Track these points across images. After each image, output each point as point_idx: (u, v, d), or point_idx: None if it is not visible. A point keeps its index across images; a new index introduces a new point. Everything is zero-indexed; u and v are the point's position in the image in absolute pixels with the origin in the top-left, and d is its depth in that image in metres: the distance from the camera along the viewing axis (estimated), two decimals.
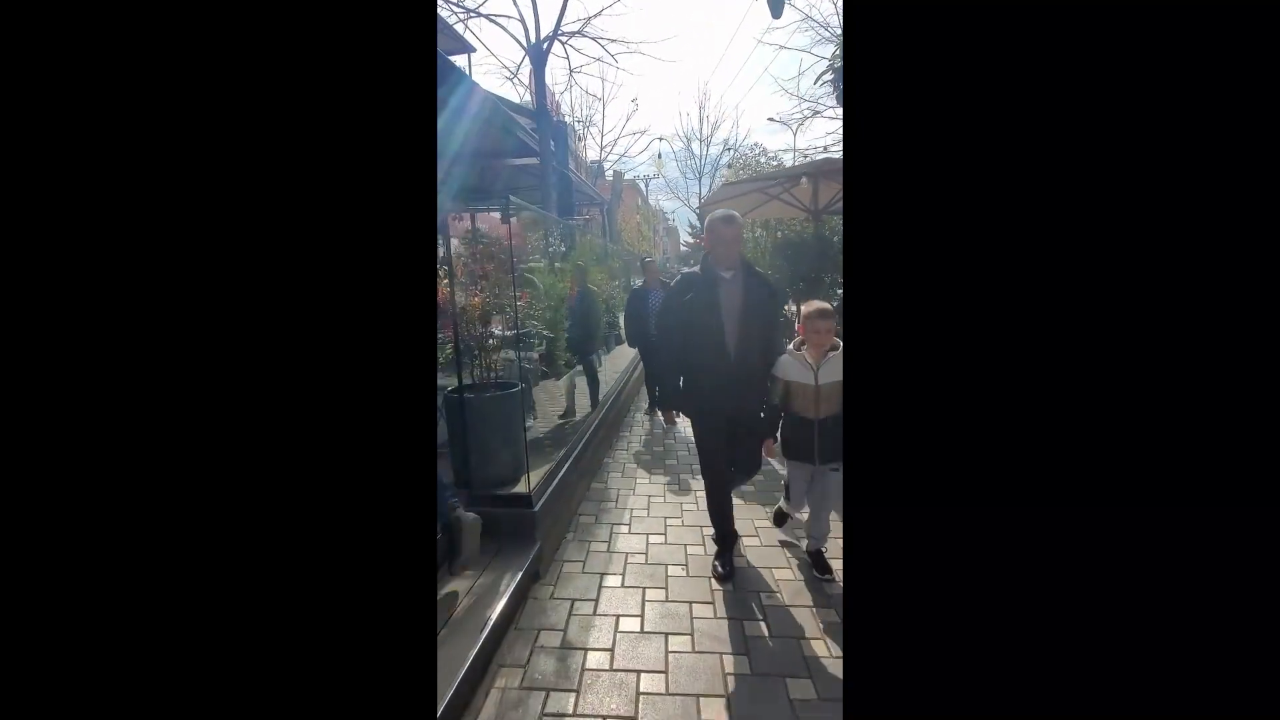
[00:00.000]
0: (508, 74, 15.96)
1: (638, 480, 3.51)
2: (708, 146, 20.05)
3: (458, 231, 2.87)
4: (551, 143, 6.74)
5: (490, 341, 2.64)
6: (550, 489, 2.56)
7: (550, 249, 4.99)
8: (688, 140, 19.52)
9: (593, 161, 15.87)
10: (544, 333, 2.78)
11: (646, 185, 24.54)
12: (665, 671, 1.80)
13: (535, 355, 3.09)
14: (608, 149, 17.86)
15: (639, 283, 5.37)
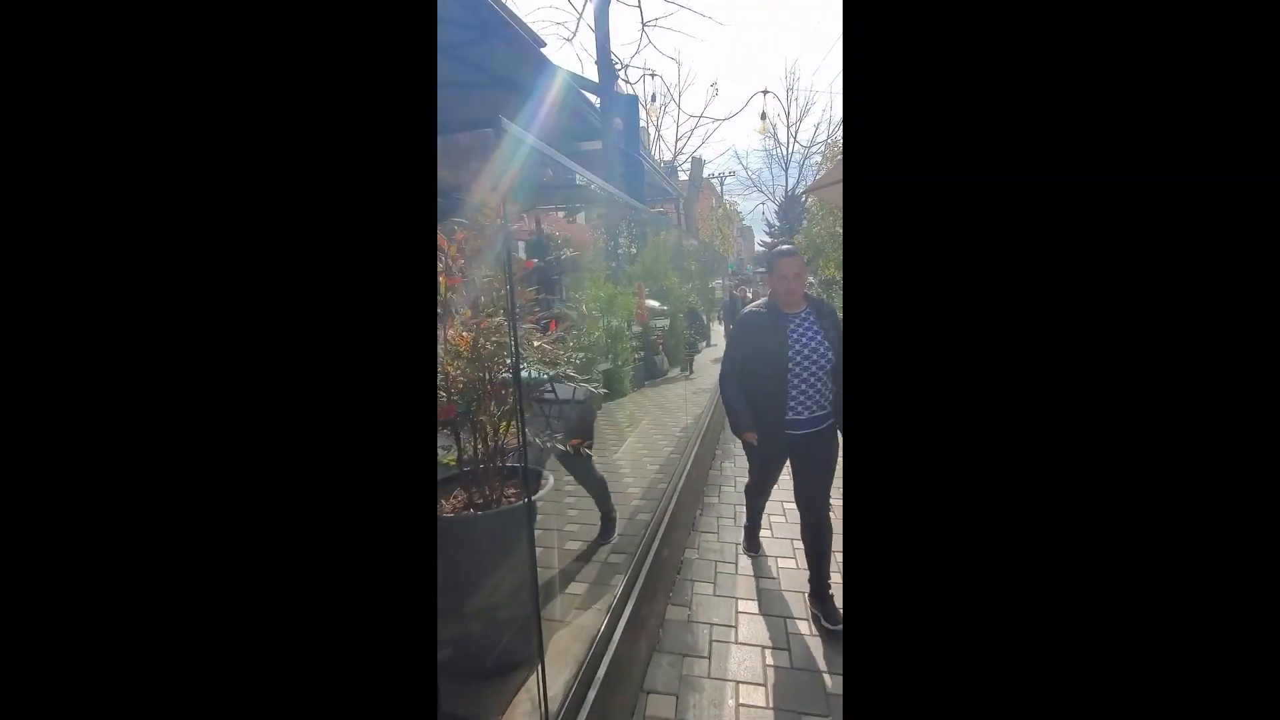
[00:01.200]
0: (566, 33, 13.10)
1: (741, 605, 2.23)
2: (796, 132, 18.13)
3: (520, 236, 2.03)
4: (618, 120, 5.58)
5: (501, 408, 1.47)
6: (588, 706, 1.34)
7: (617, 247, 3.85)
8: (773, 127, 17.77)
9: (665, 163, 14.63)
10: (589, 386, 1.59)
11: (721, 184, 23.10)
12: None
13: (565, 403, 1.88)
14: (683, 140, 16.52)
15: (750, 298, 3.49)
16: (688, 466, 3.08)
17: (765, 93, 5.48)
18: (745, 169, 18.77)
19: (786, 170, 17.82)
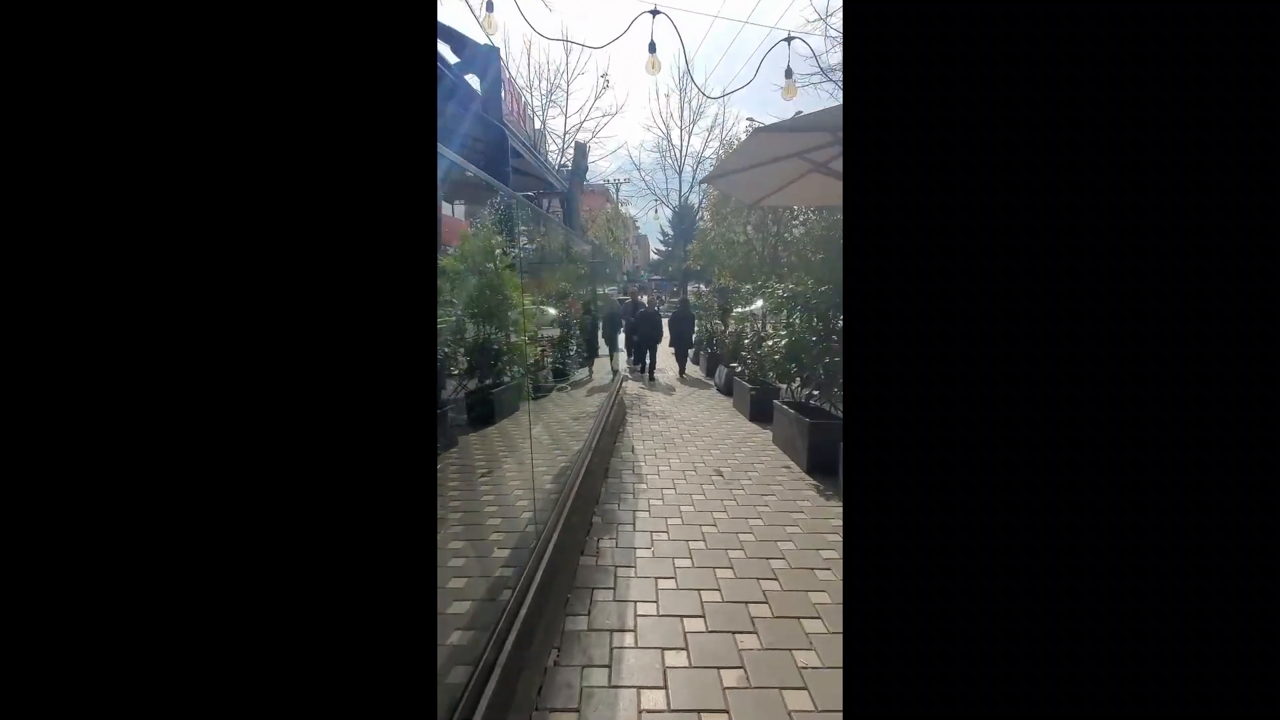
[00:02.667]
0: None
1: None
2: (689, 135, 17.71)
3: None
4: (473, 77, 4.33)
5: None
6: None
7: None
8: (666, 128, 17.17)
9: (559, 166, 13.20)
10: None
11: (617, 189, 22.39)
12: None
13: None
14: (572, 132, 15.33)
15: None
16: (542, 565, 1.95)
17: (654, 13, 4.43)
18: (639, 170, 18.05)
19: (680, 174, 17.34)
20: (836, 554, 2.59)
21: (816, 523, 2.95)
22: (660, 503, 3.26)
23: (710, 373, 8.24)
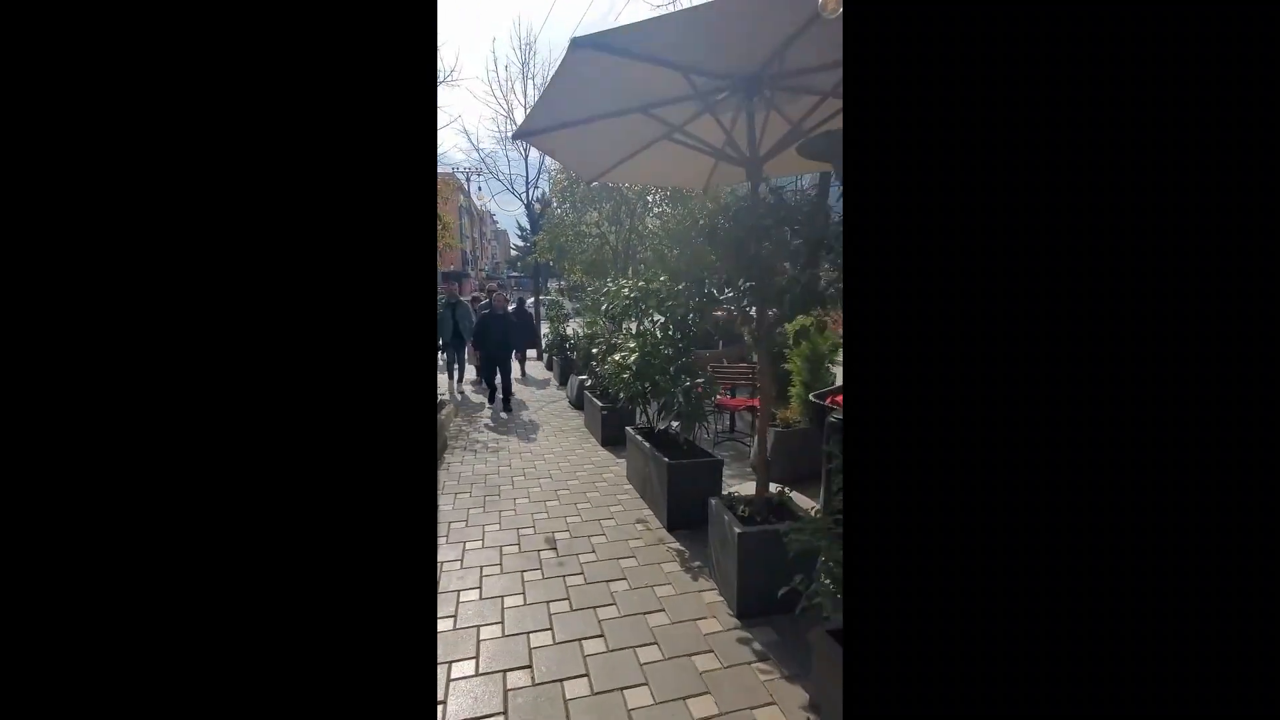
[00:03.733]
0: None
1: None
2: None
3: None
4: None
5: None
6: None
7: None
8: (508, 104, 15.47)
9: None
10: None
11: (468, 179, 20.22)
12: None
13: None
14: None
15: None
16: None
17: None
18: (479, 151, 16.17)
19: (526, 159, 15.83)
20: (711, 704, 1.65)
21: (681, 635, 2.00)
22: (449, 626, 2.07)
23: (563, 381, 7.16)
